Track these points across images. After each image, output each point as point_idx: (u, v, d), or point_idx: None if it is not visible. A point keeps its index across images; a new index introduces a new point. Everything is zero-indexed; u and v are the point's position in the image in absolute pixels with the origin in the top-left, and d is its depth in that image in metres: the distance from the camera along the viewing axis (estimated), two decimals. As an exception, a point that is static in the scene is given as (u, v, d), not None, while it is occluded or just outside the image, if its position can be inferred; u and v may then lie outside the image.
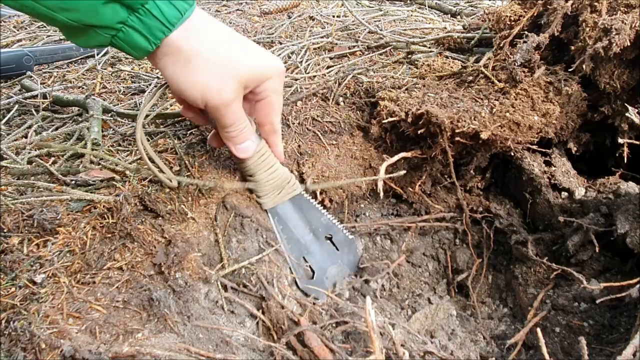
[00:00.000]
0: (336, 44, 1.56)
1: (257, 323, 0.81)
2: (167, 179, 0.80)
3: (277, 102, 0.79)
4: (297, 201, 0.92)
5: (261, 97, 0.77)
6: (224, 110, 0.72)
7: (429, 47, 1.45)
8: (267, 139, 0.84)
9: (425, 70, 1.21)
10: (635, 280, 0.74)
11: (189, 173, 0.90)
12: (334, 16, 1.93)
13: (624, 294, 0.73)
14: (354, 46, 1.53)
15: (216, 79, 0.68)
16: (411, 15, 1.93)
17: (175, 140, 1.01)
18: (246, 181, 0.88)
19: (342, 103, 1.13)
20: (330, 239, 0.96)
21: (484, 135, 0.92)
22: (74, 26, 0.61)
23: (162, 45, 0.65)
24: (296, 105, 1.11)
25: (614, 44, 0.89)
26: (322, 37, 1.61)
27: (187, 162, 0.92)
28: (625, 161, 0.95)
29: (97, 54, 1.58)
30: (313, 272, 0.92)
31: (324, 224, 0.95)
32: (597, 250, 0.86)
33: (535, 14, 1.09)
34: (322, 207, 0.96)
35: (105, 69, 1.50)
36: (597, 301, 0.78)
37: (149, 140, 1.05)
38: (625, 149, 0.95)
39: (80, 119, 1.17)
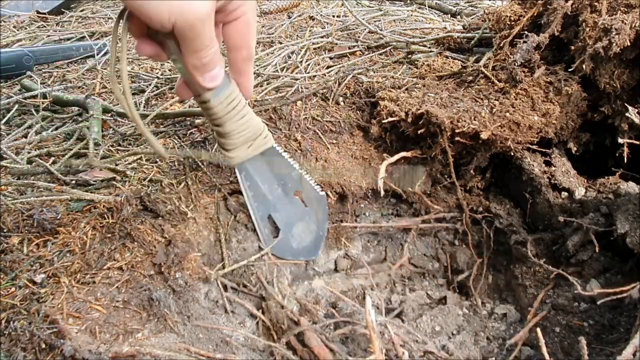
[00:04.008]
0: (336, 44, 1.56)
1: (257, 323, 0.81)
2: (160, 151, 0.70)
3: (254, 21, 0.66)
4: (267, 155, 0.83)
5: (236, 15, 0.63)
6: (199, 29, 0.57)
7: (429, 47, 1.45)
8: (240, 69, 0.70)
9: (425, 70, 1.21)
10: (630, 287, 0.73)
11: (193, 172, 0.90)
12: (334, 16, 1.93)
13: (624, 295, 0.73)
14: (354, 46, 1.53)
15: None
16: (411, 15, 1.93)
17: (175, 139, 1.01)
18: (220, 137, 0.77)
19: (342, 103, 1.13)
20: (299, 194, 0.91)
21: (484, 135, 0.92)
22: None
23: None
24: (296, 105, 1.11)
25: (614, 44, 0.89)
26: (322, 37, 1.61)
27: (192, 159, 0.92)
28: (625, 161, 0.95)
29: (97, 54, 1.58)
30: (278, 230, 0.88)
31: (294, 179, 0.88)
32: (597, 250, 0.86)
33: (535, 14, 1.09)
34: (293, 160, 0.89)
35: (105, 69, 1.50)
36: (598, 302, 0.78)
37: (149, 140, 1.04)
38: (625, 149, 0.95)
39: (80, 119, 1.17)
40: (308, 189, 0.91)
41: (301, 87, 1.21)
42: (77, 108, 1.21)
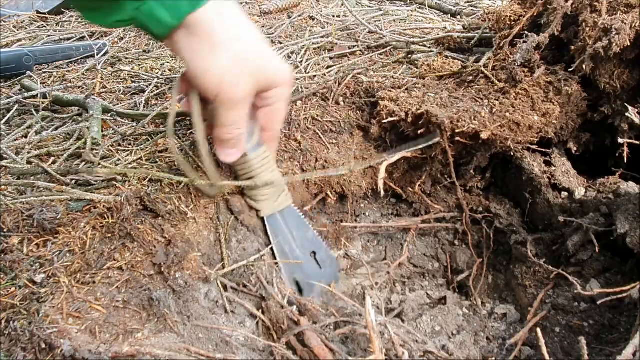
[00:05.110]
0: (336, 44, 1.56)
1: (257, 323, 0.81)
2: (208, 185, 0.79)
3: (284, 111, 0.79)
4: (286, 213, 0.90)
5: (269, 102, 0.75)
6: (233, 106, 0.69)
7: (429, 47, 1.45)
8: (267, 144, 0.83)
9: (425, 70, 1.21)
10: (630, 287, 0.73)
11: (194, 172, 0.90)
12: (334, 16, 1.93)
13: (624, 295, 0.73)
14: (354, 46, 1.53)
15: (236, 70, 0.66)
16: (411, 15, 1.93)
17: (175, 139, 1.01)
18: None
19: (342, 103, 1.13)
20: (314, 255, 0.93)
21: (484, 135, 0.92)
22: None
23: (186, 24, 0.62)
24: (296, 104, 1.11)
25: (614, 44, 0.89)
26: (322, 37, 1.61)
27: (192, 158, 0.92)
28: (625, 161, 0.95)
29: (97, 54, 1.58)
30: (301, 291, 0.90)
31: (309, 239, 0.92)
32: (597, 250, 0.86)
33: (535, 14, 1.09)
34: (308, 221, 0.92)
35: (105, 69, 1.50)
36: (598, 302, 0.78)
37: (148, 140, 1.05)
38: (625, 149, 0.95)
39: (80, 119, 1.17)
40: (322, 250, 0.93)
41: (301, 87, 1.21)
42: (77, 108, 1.21)
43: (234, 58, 0.65)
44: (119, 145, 1.04)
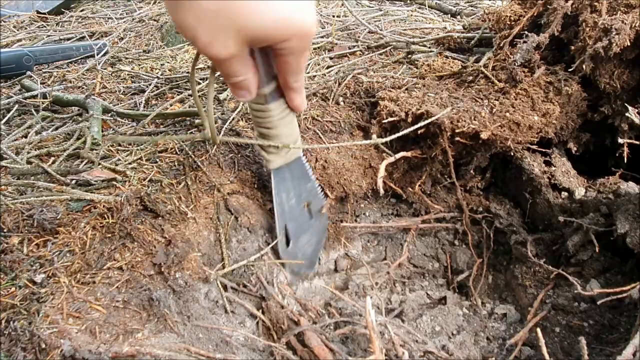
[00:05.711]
0: (336, 44, 1.56)
1: (257, 323, 0.81)
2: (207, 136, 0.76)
3: (294, 63, 0.73)
4: (294, 164, 0.89)
5: (278, 53, 0.71)
6: (220, 62, 0.66)
7: (429, 47, 1.45)
8: (283, 89, 0.79)
9: (425, 70, 1.21)
10: (630, 287, 0.73)
11: (193, 172, 0.90)
12: (334, 16, 1.93)
13: (624, 295, 0.73)
14: (354, 46, 1.53)
15: (205, 29, 0.60)
16: (411, 15, 1.93)
17: (176, 139, 1.01)
18: (264, 137, 0.83)
19: (342, 103, 1.13)
20: (308, 205, 0.93)
21: (484, 135, 0.92)
22: None
23: None
24: (296, 105, 1.11)
25: (614, 44, 0.89)
26: (322, 37, 1.61)
27: (192, 158, 0.92)
28: (625, 161, 0.95)
29: (97, 54, 1.58)
30: (288, 240, 0.91)
31: (308, 190, 0.92)
32: (597, 250, 0.86)
33: (535, 14, 1.09)
34: (311, 171, 0.92)
35: (105, 69, 1.50)
36: (598, 302, 0.78)
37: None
38: (625, 149, 0.95)
39: (80, 119, 1.17)
40: (316, 201, 0.94)
41: (301, 87, 1.21)
42: (77, 108, 1.21)
43: (199, 16, 0.60)
44: (119, 145, 1.04)
